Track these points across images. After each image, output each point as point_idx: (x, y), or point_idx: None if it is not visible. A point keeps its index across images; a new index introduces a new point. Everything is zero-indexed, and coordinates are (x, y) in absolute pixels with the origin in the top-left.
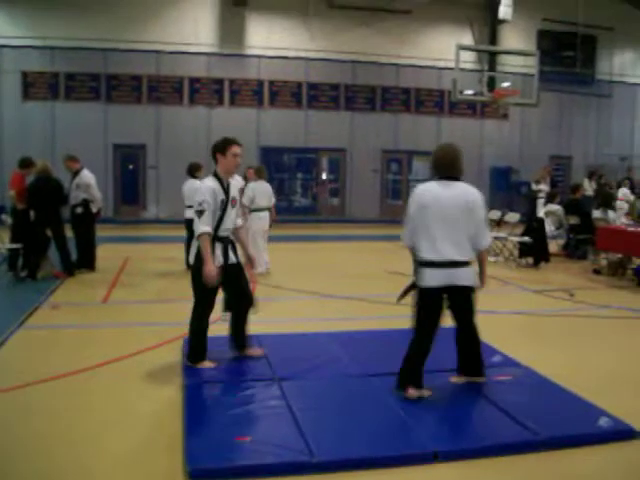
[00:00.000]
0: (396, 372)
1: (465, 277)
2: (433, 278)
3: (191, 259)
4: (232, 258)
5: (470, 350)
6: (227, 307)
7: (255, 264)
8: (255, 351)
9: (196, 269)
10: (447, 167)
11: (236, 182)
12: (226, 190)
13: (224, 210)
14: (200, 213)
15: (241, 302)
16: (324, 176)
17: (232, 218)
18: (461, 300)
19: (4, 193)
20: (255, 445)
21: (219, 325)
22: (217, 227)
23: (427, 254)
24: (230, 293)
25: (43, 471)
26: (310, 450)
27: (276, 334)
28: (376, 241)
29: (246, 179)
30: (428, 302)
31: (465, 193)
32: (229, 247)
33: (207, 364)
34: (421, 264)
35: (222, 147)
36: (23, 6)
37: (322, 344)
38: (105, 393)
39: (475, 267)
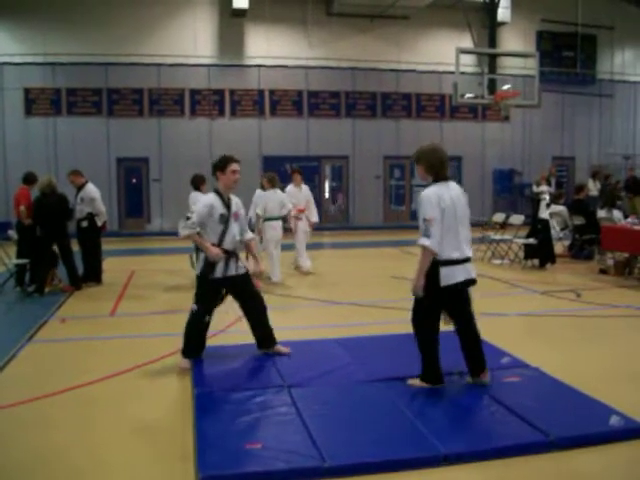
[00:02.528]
0: (404, 376)
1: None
2: (459, 274)
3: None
4: (235, 270)
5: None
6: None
7: (261, 274)
8: (282, 349)
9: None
10: (445, 167)
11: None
12: (227, 205)
13: (226, 224)
14: (187, 219)
15: (255, 304)
16: (326, 184)
17: (235, 232)
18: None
19: (9, 209)
20: (266, 451)
21: (228, 334)
22: (220, 240)
23: (453, 253)
24: (242, 300)
25: None
26: (321, 455)
27: (284, 341)
28: (381, 247)
29: (263, 187)
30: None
31: (460, 189)
32: (231, 260)
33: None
34: (445, 263)
35: (221, 165)
36: (24, 24)
37: (330, 350)
38: (115, 404)
39: None
